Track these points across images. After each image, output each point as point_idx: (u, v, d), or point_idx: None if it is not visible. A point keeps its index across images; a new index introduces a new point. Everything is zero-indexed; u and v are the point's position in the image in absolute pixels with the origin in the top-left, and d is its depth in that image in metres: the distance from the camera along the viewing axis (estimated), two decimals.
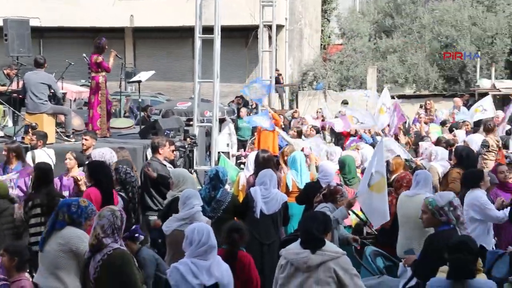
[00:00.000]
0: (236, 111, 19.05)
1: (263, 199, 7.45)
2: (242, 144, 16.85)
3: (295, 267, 4.88)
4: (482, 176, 7.40)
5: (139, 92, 13.83)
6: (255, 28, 22.37)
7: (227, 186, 10.24)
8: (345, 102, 20.33)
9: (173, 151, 9.21)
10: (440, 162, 10.13)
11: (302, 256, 4.84)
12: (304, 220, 5.36)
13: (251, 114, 18.54)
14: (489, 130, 10.75)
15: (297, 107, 24.07)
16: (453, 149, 9.88)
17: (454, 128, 14.03)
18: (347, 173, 8.85)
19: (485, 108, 15.56)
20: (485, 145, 10.50)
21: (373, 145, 11.69)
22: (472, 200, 7.07)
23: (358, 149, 11.55)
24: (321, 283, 4.80)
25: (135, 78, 14.21)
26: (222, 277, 4.75)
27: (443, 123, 15.45)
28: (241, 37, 25.43)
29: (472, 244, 4.79)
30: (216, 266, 4.77)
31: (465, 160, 8.65)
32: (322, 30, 30.73)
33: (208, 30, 12.95)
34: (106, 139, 11.41)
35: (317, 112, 19.60)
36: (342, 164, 9.01)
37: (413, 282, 5.74)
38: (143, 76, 13.49)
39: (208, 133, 14.21)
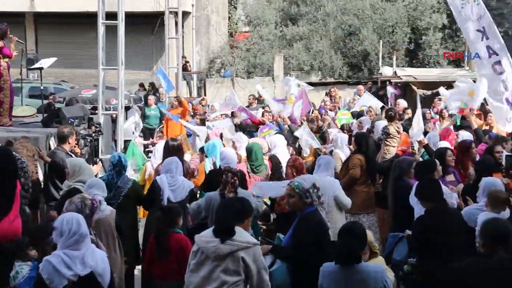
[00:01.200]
0: (144, 99, 18.83)
1: (170, 186, 7.45)
2: (150, 133, 16.69)
3: (206, 255, 4.88)
4: (435, 166, 7.64)
5: (41, 80, 13.41)
6: (161, 14, 22.14)
7: (132, 172, 10.15)
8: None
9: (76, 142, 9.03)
10: (344, 149, 10.43)
11: (212, 245, 4.85)
12: (218, 207, 5.36)
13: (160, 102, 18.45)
14: (391, 117, 11.12)
15: (205, 94, 24.05)
16: (353, 136, 10.15)
17: (358, 115, 14.47)
18: (254, 160, 8.92)
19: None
20: (385, 132, 10.85)
21: (281, 132, 11.81)
22: None
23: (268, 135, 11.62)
24: (229, 273, 4.81)
25: (36, 65, 13.77)
26: (97, 265, 4.60)
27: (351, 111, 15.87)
28: (147, 23, 25.11)
29: (357, 230, 4.91)
30: (90, 255, 4.61)
31: (364, 146, 8.93)
32: (229, 17, 30.79)
33: (112, 16, 12.72)
34: (7, 128, 11.01)
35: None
36: (249, 151, 9.06)
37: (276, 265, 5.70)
38: (44, 63, 13.08)
39: (114, 121, 14.00)
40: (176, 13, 22.06)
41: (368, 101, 15.68)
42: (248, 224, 5.10)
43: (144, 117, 17.14)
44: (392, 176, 7.92)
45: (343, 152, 10.25)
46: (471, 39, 12.58)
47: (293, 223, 5.69)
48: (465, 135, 10.52)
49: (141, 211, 8.71)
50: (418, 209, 6.49)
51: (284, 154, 9.78)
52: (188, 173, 8.73)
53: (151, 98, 17.76)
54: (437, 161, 7.91)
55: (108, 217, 6.26)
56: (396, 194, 7.65)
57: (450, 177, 8.29)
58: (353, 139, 9.89)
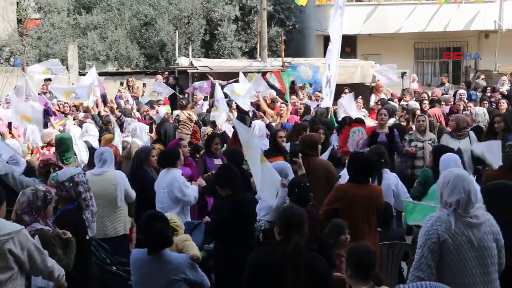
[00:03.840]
0: None
1: None
2: None
3: None
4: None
5: None
6: None
7: None
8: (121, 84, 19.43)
9: None
10: (144, 138, 10.40)
11: None
12: None
13: None
14: (182, 106, 11.46)
15: None
16: (154, 126, 10.19)
17: (155, 104, 14.53)
18: (64, 152, 8.61)
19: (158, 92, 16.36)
20: (177, 119, 11.12)
21: None
22: None
23: None
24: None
25: None
26: None
27: None
28: None
29: (162, 215, 5.05)
30: None
31: (163, 135, 9.00)
32: (18, 3, 29.04)
33: None
34: None
35: None
36: (59, 143, 8.72)
37: None
38: None
39: None
40: None
41: (161, 89, 15.87)
42: (3, 210, 4.64)
43: None
44: (131, 165, 8.06)
45: (142, 141, 10.23)
46: None
47: None
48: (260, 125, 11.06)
49: None
50: None
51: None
52: None
53: None
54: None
55: None
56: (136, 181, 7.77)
57: (218, 161, 8.79)
58: (154, 128, 9.93)
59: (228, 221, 6.05)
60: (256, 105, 13.91)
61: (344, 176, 7.04)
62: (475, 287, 4.29)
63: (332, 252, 5.91)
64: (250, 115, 13.24)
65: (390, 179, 7.46)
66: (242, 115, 12.78)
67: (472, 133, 9.98)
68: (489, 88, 17.38)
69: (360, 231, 6.13)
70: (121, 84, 18.69)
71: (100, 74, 20.10)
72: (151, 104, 14.51)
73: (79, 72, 22.89)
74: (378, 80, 18.23)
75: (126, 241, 7.42)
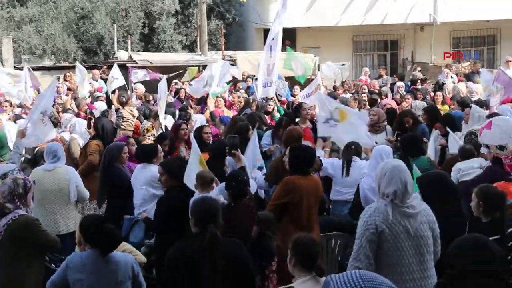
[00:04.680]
0: None
1: None
2: None
3: None
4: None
5: None
6: None
7: None
8: None
9: None
10: (83, 134, 10.22)
11: None
12: None
13: None
14: (122, 103, 11.31)
15: None
16: (92, 121, 10.01)
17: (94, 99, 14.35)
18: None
19: (115, 77, 16.19)
20: (120, 116, 10.97)
21: None
22: None
23: None
24: None
25: None
26: None
27: None
28: None
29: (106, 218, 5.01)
30: None
31: (101, 131, 8.84)
32: None
33: None
34: None
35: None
36: None
37: None
38: None
39: None
40: None
41: (117, 75, 15.74)
42: None
43: None
44: (103, 162, 7.89)
45: (81, 137, 10.04)
46: None
47: None
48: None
49: None
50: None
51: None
52: None
53: None
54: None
55: None
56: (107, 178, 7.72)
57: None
58: (92, 123, 9.76)
59: (173, 213, 6.02)
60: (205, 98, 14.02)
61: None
62: (411, 275, 4.39)
63: (271, 243, 5.96)
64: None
65: (364, 166, 7.52)
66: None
67: (389, 127, 10.05)
68: (419, 80, 17.72)
69: (312, 222, 6.21)
70: (58, 79, 18.27)
71: (37, 68, 19.66)
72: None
73: (14, 66, 22.29)
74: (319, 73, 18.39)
75: (73, 239, 7.28)
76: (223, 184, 6.30)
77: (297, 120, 10.35)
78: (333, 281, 2.04)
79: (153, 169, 7.07)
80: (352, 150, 7.71)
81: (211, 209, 4.63)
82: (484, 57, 26.18)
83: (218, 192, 6.43)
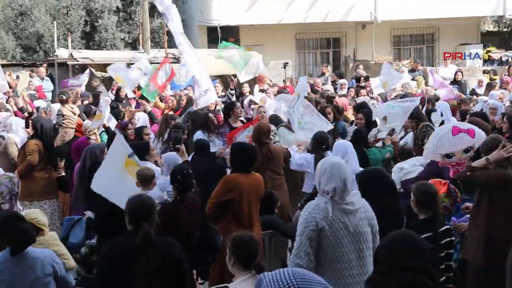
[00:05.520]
0: None
1: None
2: None
3: None
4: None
5: None
6: None
7: None
8: None
9: None
10: (20, 133, 10.00)
11: None
12: None
13: None
14: (62, 101, 11.16)
15: None
16: (30, 121, 9.80)
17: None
18: None
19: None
20: (60, 114, 10.81)
21: None
22: None
23: None
24: None
25: None
26: None
27: None
28: None
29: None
30: None
31: (40, 130, 8.67)
32: None
33: None
34: None
35: None
36: None
37: None
38: None
39: None
40: None
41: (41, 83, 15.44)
42: None
43: None
44: (83, 162, 7.73)
45: (18, 136, 9.81)
46: None
47: None
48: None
49: None
50: None
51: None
52: None
53: None
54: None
55: None
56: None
57: None
58: (30, 123, 9.58)
59: (114, 213, 5.95)
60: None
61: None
62: (351, 271, 4.45)
63: (217, 238, 5.98)
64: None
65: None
66: None
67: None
68: (362, 77, 18.01)
69: (253, 220, 6.23)
70: None
71: None
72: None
73: None
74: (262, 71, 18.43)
75: None
76: (163, 180, 6.28)
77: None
78: (266, 279, 2.05)
79: (149, 167, 6.93)
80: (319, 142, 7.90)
81: (145, 207, 4.60)
82: (424, 55, 26.79)
83: (160, 188, 6.42)
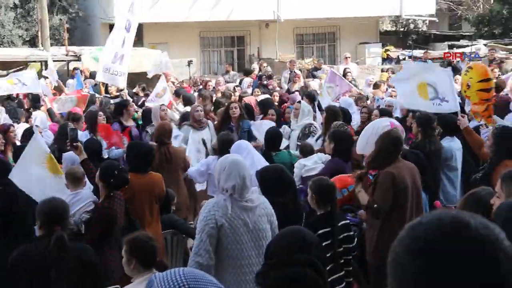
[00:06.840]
0: None
1: None
2: None
3: None
4: None
5: None
6: None
7: None
8: None
9: None
10: None
11: None
12: None
13: None
14: None
15: None
16: None
17: None
18: None
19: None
20: None
21: None
22: None
23: None
24: None
25: None
26: None
27: None
28: None
29: None
30: None
31: None
32: None
33: None
34: None
35: None
36: None
37: None
38: None
39: None
40: None
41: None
42: None
43: None
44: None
45: None
46: None
47: None
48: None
49: None
50: None
51: None
52: None
53: None
54: None
55: None
56: None
57: None
58: None
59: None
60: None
61: None
62: (251, 267, 4.51)
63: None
64: None
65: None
66: None
67: (210, 123, 10.09)
68: (264, 76, 18.21)
69: (144, 220, 6.18)
70: None
71: None
72: None
73: None
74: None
75: None
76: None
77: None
78: (157, 280, 2.05)
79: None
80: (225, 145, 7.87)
81: (58, 210, 4.49)
82: (326, 53, 27.42)
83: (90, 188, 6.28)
